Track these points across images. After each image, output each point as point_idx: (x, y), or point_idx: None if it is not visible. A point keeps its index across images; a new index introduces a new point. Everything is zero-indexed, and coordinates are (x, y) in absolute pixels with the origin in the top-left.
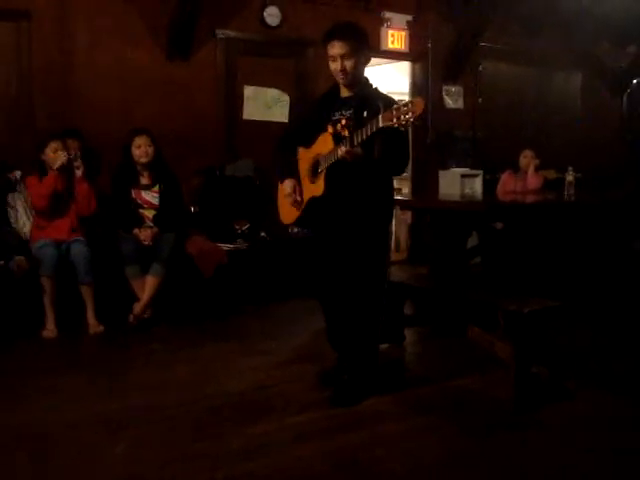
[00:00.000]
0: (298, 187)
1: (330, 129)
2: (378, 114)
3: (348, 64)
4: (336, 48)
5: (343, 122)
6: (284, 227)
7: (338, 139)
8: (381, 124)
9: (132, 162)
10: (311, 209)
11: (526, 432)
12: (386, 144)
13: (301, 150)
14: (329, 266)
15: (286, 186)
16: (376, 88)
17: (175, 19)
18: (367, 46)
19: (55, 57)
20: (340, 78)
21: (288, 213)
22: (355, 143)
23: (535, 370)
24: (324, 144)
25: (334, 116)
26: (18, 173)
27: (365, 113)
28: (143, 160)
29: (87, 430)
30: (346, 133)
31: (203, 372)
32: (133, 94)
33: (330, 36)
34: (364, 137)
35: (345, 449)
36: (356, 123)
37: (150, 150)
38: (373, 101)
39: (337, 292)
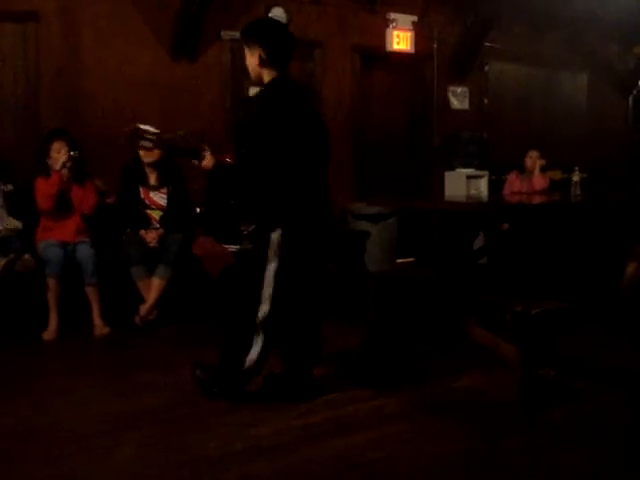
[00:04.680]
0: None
1: None
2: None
3: (246, 62)
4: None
5: None
6: None
7: None
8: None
9: (140, 162)
10: None
11: (532, 434)
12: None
13: None
14: None
15: None
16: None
17: (181, 20)
18: (255, 41)
19: (62, 58)
20: None
21: None
22: None
23: (542, 372)
24: None
25: None
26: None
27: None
28: (147, 160)
29: (93, 431)
30: None
31: None
32: (139, 95)
33: None
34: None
35: (349, 451)
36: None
37: (155, 150)
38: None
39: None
